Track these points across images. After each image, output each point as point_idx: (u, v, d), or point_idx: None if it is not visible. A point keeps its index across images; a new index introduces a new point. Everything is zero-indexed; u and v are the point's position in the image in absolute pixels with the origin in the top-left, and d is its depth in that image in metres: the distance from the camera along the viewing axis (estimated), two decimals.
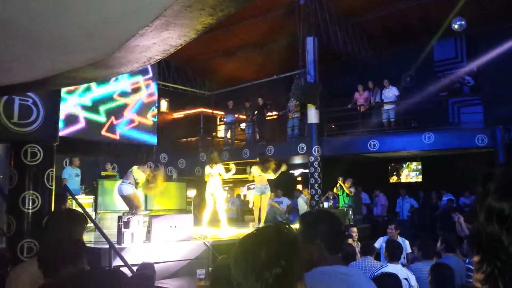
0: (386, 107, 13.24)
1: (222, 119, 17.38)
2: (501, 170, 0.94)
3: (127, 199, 7.54)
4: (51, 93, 4.12)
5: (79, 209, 4.94)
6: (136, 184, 7.55)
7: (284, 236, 1.18)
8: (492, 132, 11.52)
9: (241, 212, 13.70)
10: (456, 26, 12.07)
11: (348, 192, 11.22)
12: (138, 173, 7.58)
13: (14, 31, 2.20)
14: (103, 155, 11.87)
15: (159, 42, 2.25)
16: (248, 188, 14.89)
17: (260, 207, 9.29)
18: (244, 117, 15.67)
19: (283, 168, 9.47)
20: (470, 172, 12.45)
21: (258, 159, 9.44)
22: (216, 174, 8.58)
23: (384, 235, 7.25)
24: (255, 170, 9.08)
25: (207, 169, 8.67)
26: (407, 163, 15.51)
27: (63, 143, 4.65)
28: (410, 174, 15.54)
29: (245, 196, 15.94)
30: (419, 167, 15.26)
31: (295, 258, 1.14)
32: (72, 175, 9.94)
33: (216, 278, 2.62)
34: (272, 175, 9.14)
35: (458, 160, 12.86)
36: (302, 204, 12.12)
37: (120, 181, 8.09)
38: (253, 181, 9.50)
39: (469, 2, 11.55)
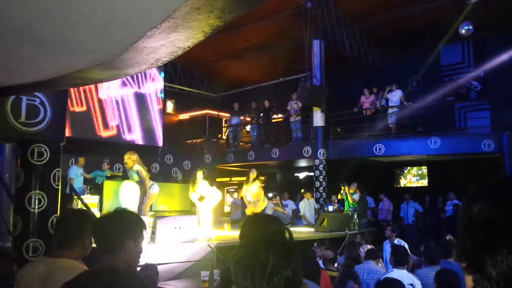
0: (391, 110, 13.20)
1: (227, 121, 17.38)
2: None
3: None
4: (59, 93, 4.14)
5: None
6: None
7: (289, 239, 1.17)
8: (499, 138, 11.44)
9: (245, 214, 13.66)
10: (463, 31, 12.00)
11: (350, 201, 11.04)
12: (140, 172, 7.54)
13: (21, 31, 2.21)
14: (108, 155, 11.86)
15: (167, 44, 2.25)
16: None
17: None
18: (249, 119, 15.65)
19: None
20: (476, 177, 12.38)
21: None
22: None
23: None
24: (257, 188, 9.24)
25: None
26: (413, 167, 15.45)
27: (69, 143, 4.66)
28: (416, 178, 15.47)
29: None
30: (425, 171, 15.19)
31: (299, 260, 1.13)
32: (78, 175, 9.95)
33: (225, 281, 2.55)
34: None
35: (464, 165, 12.79)
36: (304, 209, 11.92)
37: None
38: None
39: (476, 7, 11.50)
